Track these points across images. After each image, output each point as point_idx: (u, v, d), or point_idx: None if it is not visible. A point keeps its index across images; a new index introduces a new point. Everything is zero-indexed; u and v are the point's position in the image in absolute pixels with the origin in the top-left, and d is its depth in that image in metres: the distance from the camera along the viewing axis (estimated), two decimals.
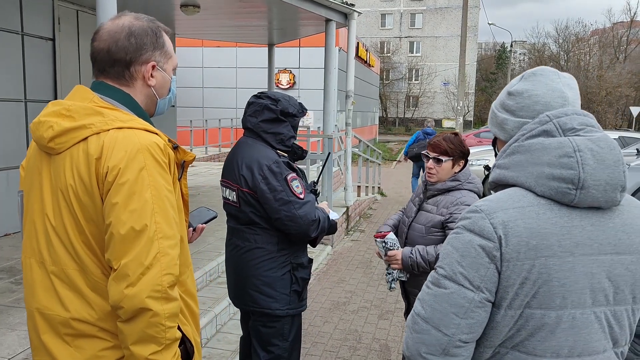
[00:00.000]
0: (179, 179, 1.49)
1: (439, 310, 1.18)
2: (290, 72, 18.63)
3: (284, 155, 2.54)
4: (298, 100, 2.63)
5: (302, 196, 2.45)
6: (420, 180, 2.87)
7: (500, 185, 1.27)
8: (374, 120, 31.02)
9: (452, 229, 1.24)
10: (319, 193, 2.76)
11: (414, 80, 47.00)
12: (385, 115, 45.34)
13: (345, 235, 8.01)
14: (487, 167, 2.01)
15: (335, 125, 14.97)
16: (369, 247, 7.34)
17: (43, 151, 1.40)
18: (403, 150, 12.20)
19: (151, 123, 1.46)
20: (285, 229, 2.49)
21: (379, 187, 12.55)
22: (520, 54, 65.09)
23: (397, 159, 21.57)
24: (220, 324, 4.19)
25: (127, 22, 1.43)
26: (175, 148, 1.44)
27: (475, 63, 47.80)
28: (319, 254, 6.53)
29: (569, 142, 1.16)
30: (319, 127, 13.70)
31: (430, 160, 2.66)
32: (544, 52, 46.46)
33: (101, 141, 1.31)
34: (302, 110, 2.60)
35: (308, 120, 17.95)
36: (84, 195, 1.32)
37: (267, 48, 10.64)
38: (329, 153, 2.75)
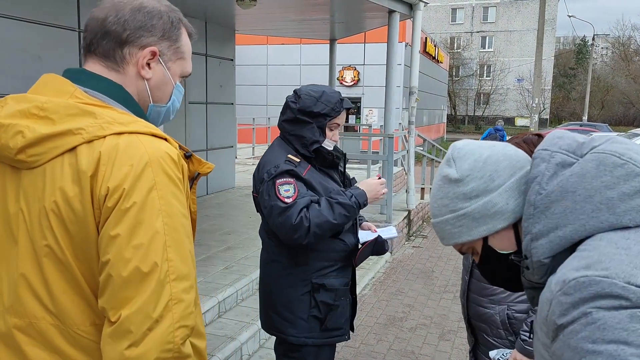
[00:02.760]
0: (189, 194, 1.16)
1: None
2: (355, 69, 18.23)
3: (294, 161, 2.12)
4: (341, 96, 2.23)
5: (287, 201, 2.02)
6: None
7: (561, 254, 0.87)
8: (441, 119, 30.01)
9: (567, 327, 0.76)
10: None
11: (485, 76, 45.18)
12: (453, 113, 43.90)
13: (406, 241, 7.53)
14: (512, 255, 1.44)
15: (400, 123, 14.48)
16: (432, 255, 6.83)
17: (5, 163, 1.06)
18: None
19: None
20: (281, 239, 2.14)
21: None
22: (602, 48, 61.08)
23: None
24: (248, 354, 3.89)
25: None
26: (189, 157, 1.13)
27: (553, 58, 45.24)
28: (376, 261, 6.11)
29: (603, 155, 0.85)
30: (381, 126, 13.25)
31: None
32: (629, 46, 43.22)
33: (96, 152, 0.99)
34: (337, 109, 2.15)
35: (372, 118, 17.50)
36: (73, 225, 0.99)
37: (328, 44, 10.31)
38: (344, 154, 2.37)
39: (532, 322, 2.03)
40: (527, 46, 43.65)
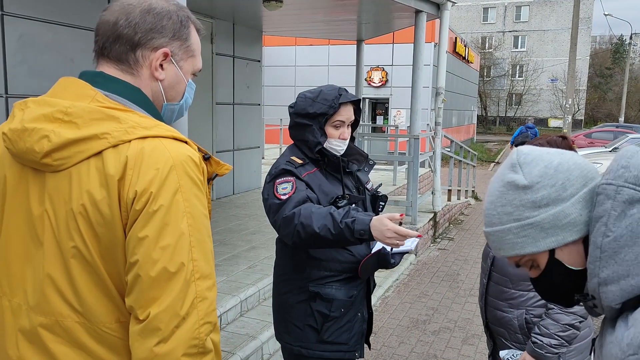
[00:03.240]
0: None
1: None
2: (383, 70, 18.13)
3: (295, 162, 2.03)
4: (340, 91, 2.05)
5: (283, 197, 1.93)
6: None
7: (632, 300, 0.82)
8: (471, 119, 29.57)
9: None
10: (384, 197, 2.19)
11: (517, 76, 44.32)
12: (484, 114, 43.20)
13: (431, 243, 7.45)
14: (576, 299, 1.02)
15: (427, 124, 14.33)
16: (458, 258, 6.74)
17: (28, 166, 1.08)
18: (510, 142, 15.59)
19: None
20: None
21: (473, 191, 11.74)
22: None
23: (496, 161, 20.29)
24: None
25: None
26: (207, 159, 1.15)
27: (588, 58, 44.07)
28: (400, 263, 6.06)
29: None
30: (408, 127, 13.15)
31: None
32: None
33: (123, 156, 1.02)
34: (335, 105, 2.00)
35: (399, 119, 17.38)
36: (100, 227, 1.02)
37: (356, 45, 10.29)
38: (366, 156, 2.23)
39: (544, 324, 1.99)
40: (561, 46, 42.65)
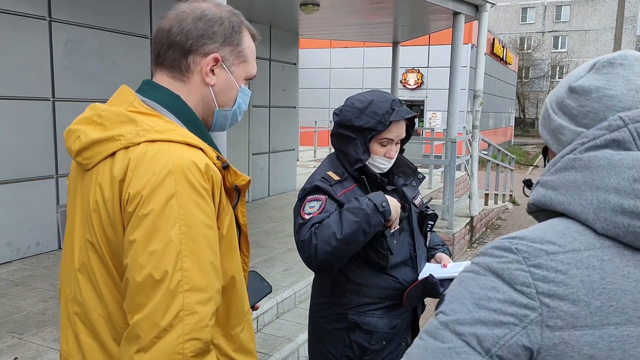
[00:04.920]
0: (234, 207, 1.15)
1: None
2: (419, 72, 17.98)
3: (330, 179, 1.86)
4: (394, 104, 1.83)
5: (306, 217, 1.77)
6: None
7: (542, 211, 0.90)
8: (509, 122, 28.98)
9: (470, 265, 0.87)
10: (433, 215, 1.99)
11: (557, 78, 43.18)
12: (522, 116, 42.27)
13: (468, 249, 7.33)
14: (527, 182, 1.42)
15: (464, 127, 14.12)
16: None
17: (78, 166, 1.16)
18: None
19: (206, 135, 1.16)
20: None
21: (510, 195, 11.50)
22: None
23: (535, 164, 19.81)
24: None
25: (203, 5, 1.16)
26: (225, 168, 1.11)
27: None
28: None
29: None
30: (445, 129, 12.99)
31: None
32: None
33: (127, 158, 1.02)
34: (385, 121, 1.79)
35: (435, 122, 17.18)
36: (108, 227, 1.04)
37: (391, 47, 10.24)
38: (415, 169, 2.03)
39: None
40: (603, 46, 41.34)
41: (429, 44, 17.21)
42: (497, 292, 0.79)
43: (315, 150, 14.67)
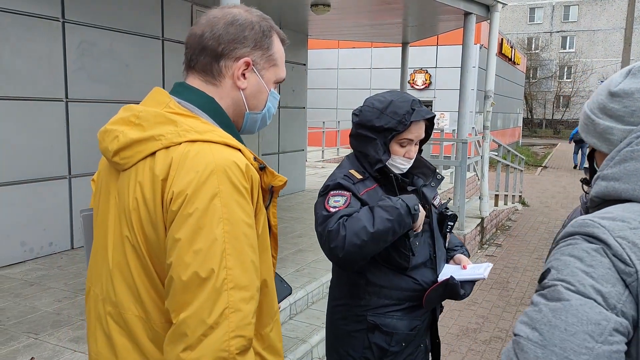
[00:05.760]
0: (267, 207, 1.17)
1: (562, 328, 0.81)
2: (427, 72, 17.93)
3: (353, 177, 1.84)
4: (414, 105, 1.83)
5: (332, 210, 1.75)
6: (580, 200, 2.24)
7: (605, 202, 1.00)
8: (517, 122, 28.86)
9: (560, 241, 0.94)
10: (453, 216, 1.97)
11: (565, 78, 42.95)
12: (530, 117, 42.07)
13: (479, 250, 7.30)
14: (585, 181, 1.49)
15: (473, 127, 14.06)
16: (507, 265, 6.58)
17: (111, 166, 1.17)
18: (569, 137, 18.62)
19: (238, 137, 1.17)
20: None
21: (520, 196, 11.44)
22: None
23: (543, 165, 19.70)
24: None
25: (234, 11, 1.18)
26: (262, 169, 1.14)
27: None
28: None
29: None
30: (454, 130, 12.93)
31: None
32: None
33: (169, 158, 1.04)
34: (405, 121, 1.78)
35: (443, 122, 17.13)
36: (148, 225, 1.05)
37: (400, 47, 10.22)
38: (434, 169, 2.00)
39: None
40: (612, 46, 41.09)
41: (437, 45, 17.16)
42: (601, 253, 0.86)
43: (323, 151, 14.67)
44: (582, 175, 15.71)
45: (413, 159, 1.90)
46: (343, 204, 1.77)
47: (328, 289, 2.24)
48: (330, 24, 8.36)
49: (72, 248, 5.13)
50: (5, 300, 3.77)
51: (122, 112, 1.16)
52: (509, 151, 10.39)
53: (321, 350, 3.74)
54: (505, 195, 10.06)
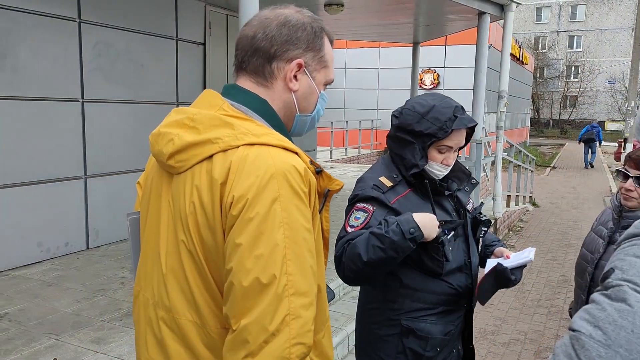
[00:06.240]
0: (320, 211, 1.15)
1: (629, 329, 0.79)
2: (435, 72, 17.87)
3: (384, 185, 1.80)
4: (456, 112, 1.77)
5: (348, 229, 1.75)
6: (609, 202, 2.22)
7: None
8: (524, 122, 28.75)
9: (623, 242, 0.94)
10: (488, 221, 1.93)
11: (572, 78, 42.77)
12: (536, 117, 41.91)
13: None
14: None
15: (483, 127, 14.00)
16: None
17: (163, 169, 1.15)
18: (578, 137, 19.46)
19: (289, 139, 1.16)
20: None
21: (530, 197, 11.38)
22: None
23: (552, 165, 19.62)
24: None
25: (286, 11, 1.17)
26: (319, 172, 1.12)
27: None
28: None
29: None
30: None
31: (630, 179, 2.04)
32: None
33: (228, 161, 1.02)
34: (447, 128, 1.74)
35: None
36: (205, 230, 1.03)
37: (411, 47, 10.18)
38: (469, 174, 1.94)
39: None
40: (620, 45, 40.88)
41: (445, 44, 17.09)
42: None
43: (331, 151, 14.64)
44: (592, 174, 15.57)
45: (451, 166, 1.85)
46: (361, 223, 1.74)
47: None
48: (340, 23, 8.34)
49: (88, 248, 5.13)
50: (24, 300, 3.77)
51: (174, 115, 1.14)
52: (520, 151, 10.34)
53: (340, 352, 3.73)
54: (516, 195, 10.01)
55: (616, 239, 2.12)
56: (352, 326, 3.90)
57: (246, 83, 1.16)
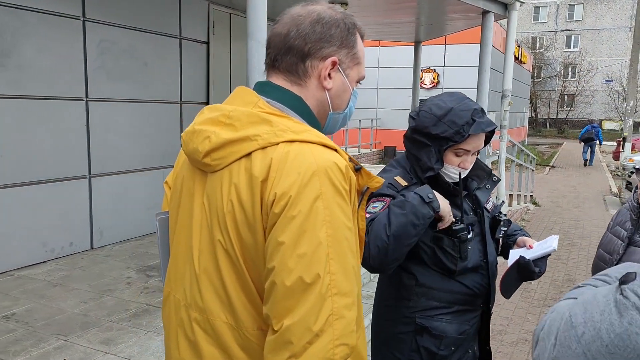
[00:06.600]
0: (357, 209, 1.13)
1: None
2: (434, 71, 17.87)
3: (398, 184, 1.78)
4: (475, 115, 1.71)
5: (367, 215, 1.68)
6: (628, 203, 2.20)
7: None
8: (523, 122, 28.79)
9: None
10: (507, 221, 1.91)
11: (569, 77, 42.85)
12: (534, 116, 41.97)
13: None
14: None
15: None
16: None
17: (196, 167, 1.12)
18: (579, 136, 19.84)
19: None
20: None
21: (531, 196, 11.38)
22: None
23: (551, 164, 19.65)
24: None
25: (318, 8, 1.14)
26: (358, 170, 1.10)
27: None
28: None
29: None
30: None
31: None
32: None
33: (268, 158, 1.00)
34: (464, 132, 1.69)
35: None
36: (244, 228, 1.01)
37: (412, 46, 10.17)
38: (489, 171, 1.92)
39: None
40: (617, 45, 40.98)
41: (445, 44, 17.08)
42: None
43: (346, 148, 14.60)
44: (591, 173, 15.52)
45: (468, 170, 1.81)
46: (379, 209, 1.71)
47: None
48: None
49: (92, 248, 5.10)
50: (31, 301, 3.74)
51: (208, 112, 1.11)
52: (521, 150, 10.34)
53: None
54: (518, 195, 10.01)
55: (636, 240, 2.10)
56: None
57: (279, 81, 1.14)
